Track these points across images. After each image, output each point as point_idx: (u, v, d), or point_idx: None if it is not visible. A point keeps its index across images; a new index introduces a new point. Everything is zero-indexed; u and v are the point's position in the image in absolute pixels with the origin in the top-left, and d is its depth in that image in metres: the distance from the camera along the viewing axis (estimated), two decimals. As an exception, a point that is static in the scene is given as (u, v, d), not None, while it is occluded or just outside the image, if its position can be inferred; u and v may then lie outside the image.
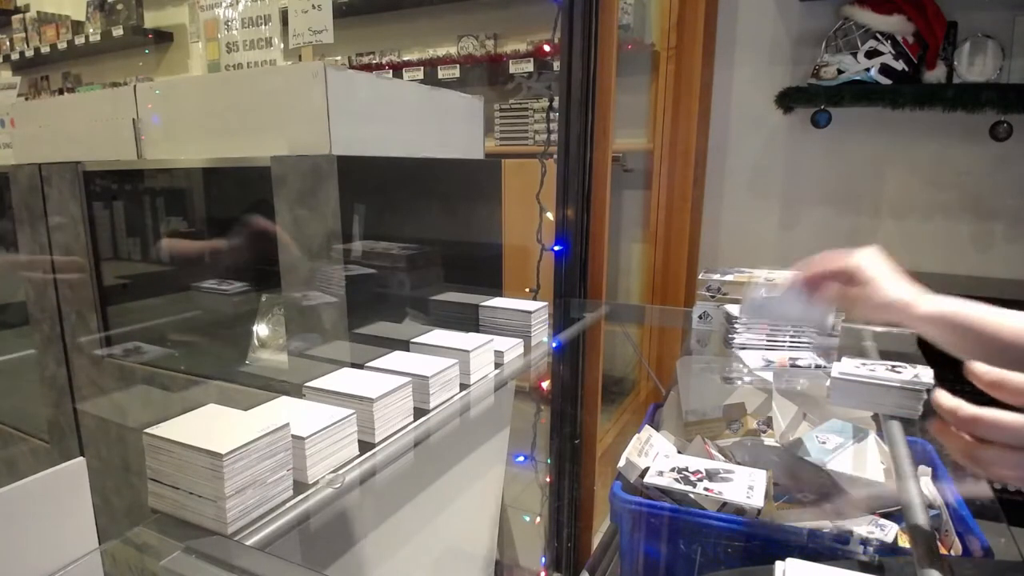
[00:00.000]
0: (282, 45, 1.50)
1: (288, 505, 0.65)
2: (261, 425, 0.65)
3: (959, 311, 0.71)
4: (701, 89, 2.30)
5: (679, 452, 1.02)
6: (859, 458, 0.90)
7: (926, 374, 0.82)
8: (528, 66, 2.76)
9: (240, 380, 1.29)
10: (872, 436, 0.93)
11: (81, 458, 0.56)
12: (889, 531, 0.84)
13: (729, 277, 1.24)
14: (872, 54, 2.06)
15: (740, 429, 1.09)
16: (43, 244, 1.52)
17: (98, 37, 4.07)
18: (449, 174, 1.43)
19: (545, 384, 1.49)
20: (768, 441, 1.00)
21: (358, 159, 1.11)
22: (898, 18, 2.03)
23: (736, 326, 1.13)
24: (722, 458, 0.99)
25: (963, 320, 0.70)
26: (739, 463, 0.98)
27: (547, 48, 1.45)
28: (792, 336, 1.13)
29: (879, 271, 0.81)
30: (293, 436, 0.67)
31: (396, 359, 0.93)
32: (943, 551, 0.81)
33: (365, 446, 0.77)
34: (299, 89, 1.09)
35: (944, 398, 0.52)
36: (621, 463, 0.93)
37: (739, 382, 1.12)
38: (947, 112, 2.02)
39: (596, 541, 1.61)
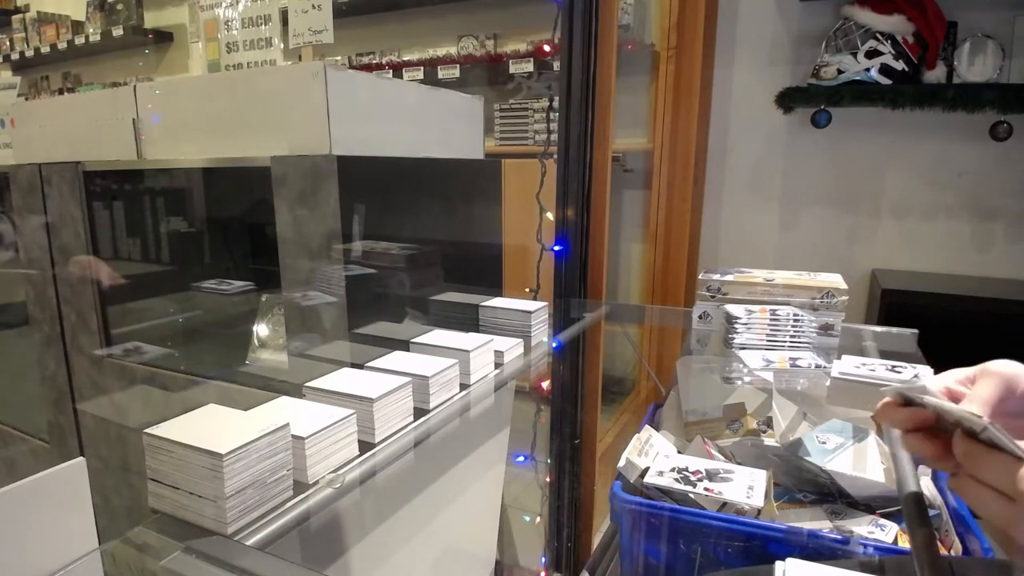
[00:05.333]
0: (282, 45, 1.50)
1: (288, 505, 0.65)
2: (261, 425, 0.64)
3: None
4: (701, 89, 2.30)
5: (679, 452, 1.02)
6: (859, 458, 0.90)
7: (926, 374, 0.82)
8: (528, 66, 2.76)
9: (240, 380, 1.29)
10: (872, 436, 0.93)
11: (81, 458, 0.56)
12: (889, 531, 0.84)
13: (729, 277, 1.24)
14: (872, 54, 2.06)
15: (740, 429, 1.08)
16: (43, 244, 1.52)
17: (98, 37, 4.07)
18: (449, 174, 1.43)
19: (545, 384, 1.49)
20: (768, 441, 1.00)
21: (358, 159, 1.11)
22: (898, 18, 2.03)
23: (736, 326, 1.13)
24: (722, 458, 0.99)
25: None
26: (739, 463, 0.98)
27: (547, 48, 1.45)
28: (792, 336, 1.14)
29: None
30: (293, 436, 0.67)
31: (396, 359, 0.93)
32: (943, 551, 0.81)
33: (365, 446, 0.77)
34: (299, 89, 1.09)
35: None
36: (621, 463, 0.93)
37: (739, 382, 1.12)
38: (947, 112, 2.02)
39: (596, 541, 1.61)
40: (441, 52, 3.10)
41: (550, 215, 1.46)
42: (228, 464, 0.59)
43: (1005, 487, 0.44)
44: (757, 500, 0.82)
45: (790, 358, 1.08)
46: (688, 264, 2.40)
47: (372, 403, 0.77)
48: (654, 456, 0.94)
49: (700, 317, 1.24)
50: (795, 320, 1.13)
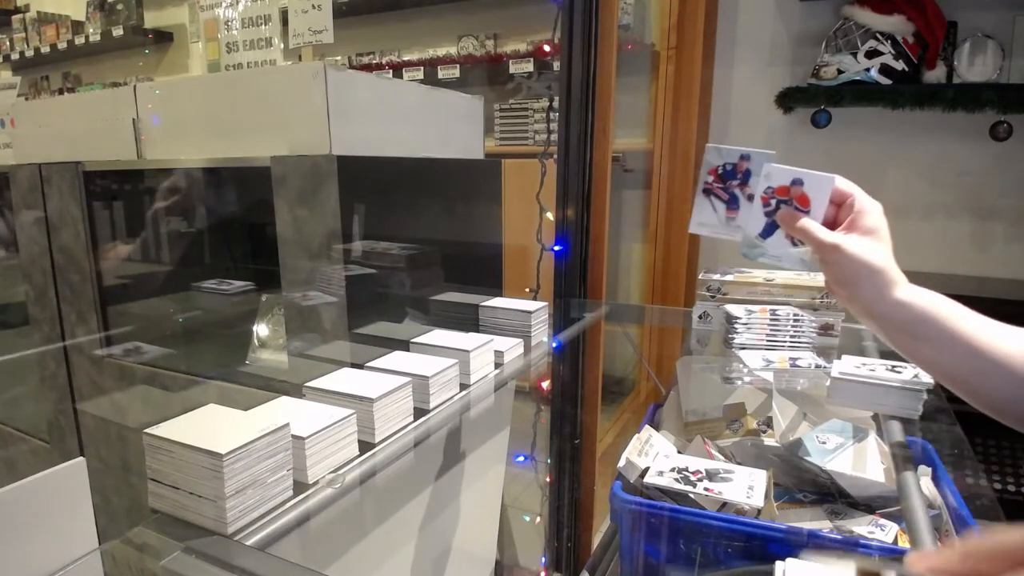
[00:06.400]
0: (282, 45, 1.50)
1: (288, 505, 0.65)
2: (261, 425, 0.65)
3: (941, 305, 0.66)
4: (701, 89, 2.30)
5: (679, 452, 1.02)
6: (859, 458, 0.90)
7: (926, 374, 0.82)
8: (528, 66, 2.76)
9: (240, 380, 1.29)
10: (872, 436, 0.93)
11: (81, 458, 0.56)
12: (889, 531, 0.84)
13: (729, 277, 1.24)
14: (872, 54, 2.06)
15: (740, 429, 1.08)
16: (43, 244, 1.52)
17: (98, 37, 4.07)
18: (449, 174, 1.43)
19: (545, 384, 1.49)
20: (768, 441, 1.00)
21: (358, 159, 1.11)
22: (898, 18, 2.03)
23: (736, 326, 1.13)
24: (722, 458, 0.99)
25: (941, 316, 0.65)
26: (739, 463, 0.98)
27: (547, 48, 1.45)
28: (792, 336, 1.14)
29: (878, 221, 0.72)
30: (293, 436, 0.67)
31: (396, 359, 0.93)
32: (943, 551, 0.81)
33: (365, 446, 0.77)
34: (299, 89, 1.09)
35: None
36: (621, 463, 0.93)
37: (739, 382, 1.12)
38: (947, 112, 2.02)
39: (596, 541, 1.61)
40: (441, 52, 3.10)
41: (550, 215, 1.46)
42: (228, 464, 0.59)
43: None
44: (757, 500, 0.82)
45: (790, 358, 1.08)
46: (688, 264, 2.40)
47: (372, 403, 0.77)
48: (654, 456, 0.94)
49: (700, 317, 1.24)
50: (795, 320, 1.13)
